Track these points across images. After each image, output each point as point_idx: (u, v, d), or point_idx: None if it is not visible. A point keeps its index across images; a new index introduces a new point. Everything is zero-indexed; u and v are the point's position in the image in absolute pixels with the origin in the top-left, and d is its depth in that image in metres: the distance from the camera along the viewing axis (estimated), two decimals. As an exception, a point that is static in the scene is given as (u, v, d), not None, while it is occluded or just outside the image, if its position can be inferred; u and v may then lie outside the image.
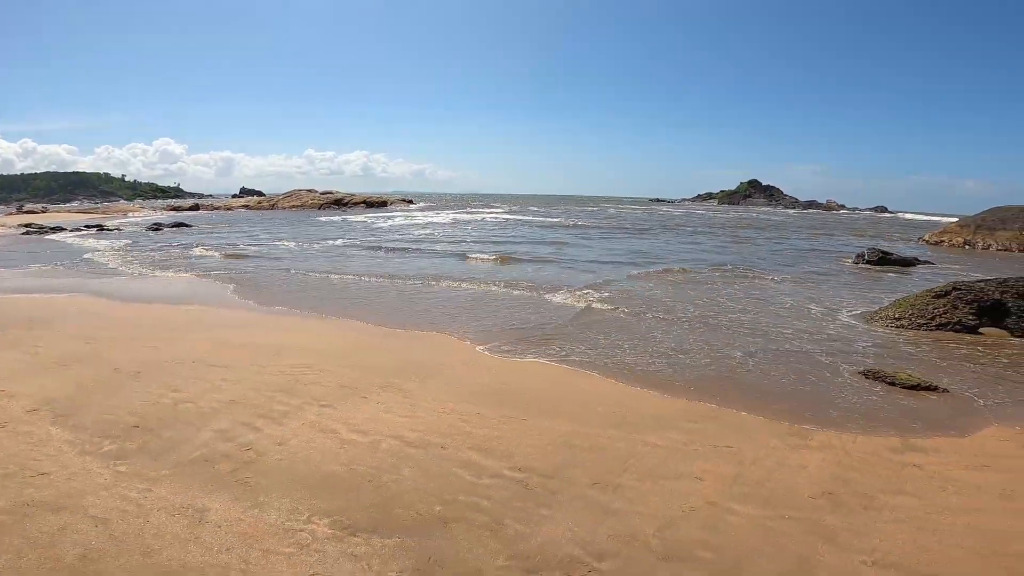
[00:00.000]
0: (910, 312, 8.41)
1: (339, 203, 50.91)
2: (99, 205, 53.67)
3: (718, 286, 11.84)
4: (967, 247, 28.27)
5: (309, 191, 52.97)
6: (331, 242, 20.18)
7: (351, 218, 36.33)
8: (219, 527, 2.95)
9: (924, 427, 4.38)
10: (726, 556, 2.67)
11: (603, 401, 4.85)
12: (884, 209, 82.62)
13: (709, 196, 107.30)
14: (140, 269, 12.97)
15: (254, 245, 19.05)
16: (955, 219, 33.29)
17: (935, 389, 5.16)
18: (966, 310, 8.25)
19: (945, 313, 8.19)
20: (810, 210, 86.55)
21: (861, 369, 5.73)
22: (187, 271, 12.60)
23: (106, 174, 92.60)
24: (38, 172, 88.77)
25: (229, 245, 18.82)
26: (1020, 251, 27.33)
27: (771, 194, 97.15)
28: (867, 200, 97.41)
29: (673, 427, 4.28)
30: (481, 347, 6.64)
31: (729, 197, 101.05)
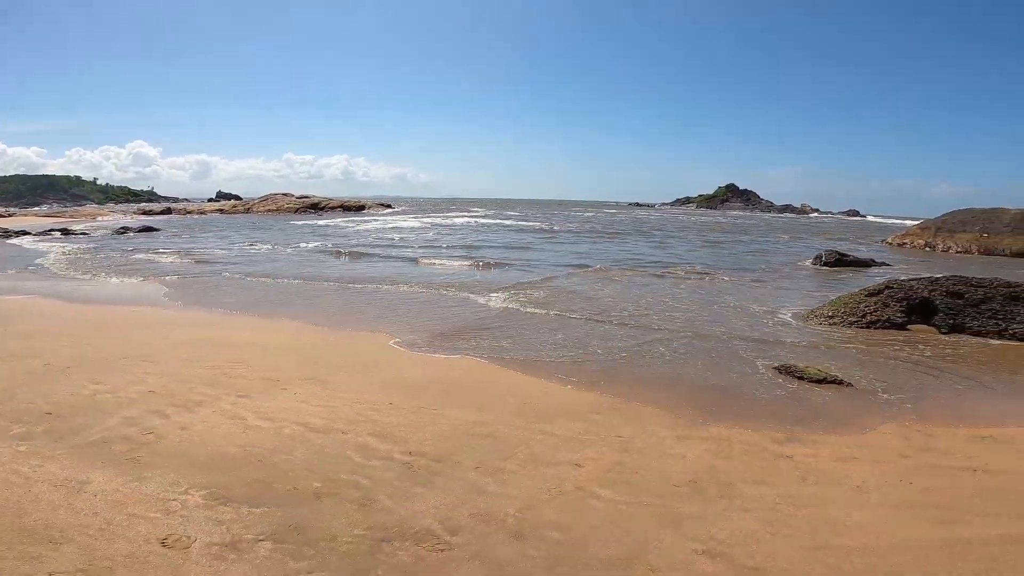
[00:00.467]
0: (843, 310, 8.68)
1: (315, 207, 50.55)
2: (67, 209, 52.55)
3: (665, 286, 12.08)
4: (928, 249, 29.07)
5: (285, 195, 52.58)
6: (301, 246, 20.10)
7: (326, 222, 36.12)
8: (94, 496, 3.10)
9: (814, 420, 4.55)
10: (572, 537, 2.79)
11: (515, 393, 5.00)
12: (856, 213, 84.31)
13: (688, 200, 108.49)
14: (94, 272, 12.82)
15: (218, 249, 18.90)
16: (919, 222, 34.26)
17: (840, 383, 5.37)
18: (896, 308, 8.54)
19: (875, 311, 8.47)
20: (785, 214, 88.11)
21: (776, 364, 5.92)
22: (141, 275, 12.49)
23: (77, 177, 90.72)
24: (6, 175, 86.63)
25: (190, 250, 18.65)
26: (979, 252, 28.18)
27: (748, 198, 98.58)
28: (840, 204, 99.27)
29: (577, 418, 4.41)
30: (409, 344, 6.78)
31: (707, 201, 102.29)
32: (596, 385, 5.31)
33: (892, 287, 8.96)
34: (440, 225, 34.35)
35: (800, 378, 5.52)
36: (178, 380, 5.14)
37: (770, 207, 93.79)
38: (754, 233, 35.81)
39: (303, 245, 20.39)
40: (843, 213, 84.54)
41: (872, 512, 3.07)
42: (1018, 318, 7.76)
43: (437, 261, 16.19)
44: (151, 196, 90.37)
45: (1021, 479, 3.48)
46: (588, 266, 15.72)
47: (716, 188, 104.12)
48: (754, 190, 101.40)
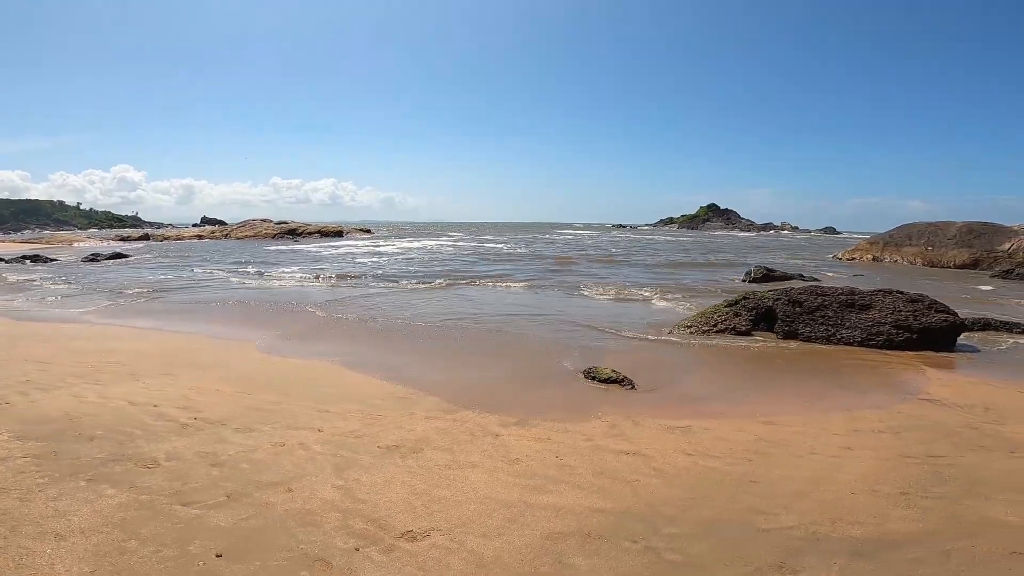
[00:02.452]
0: (700, 320, 9.44)
1: (293, 233, 51.39)
2: (43, 235, 53.21)
3: (551, 299, 13.02)
4: (875, 262, 30.05)
5: (264, 221, 53.47)
6: (239, 270, 20.85)
7: (300, 248, 36.96)
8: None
9: (567, 410, 5.20)
10: (256, 468, 3.74)
11: (333, 384, 5.89)
12: (833, 230, 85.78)
13: (671, 220, 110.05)
14: (44, 295, 13.50)
15: (180, 272, 19.63)
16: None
17: (621, 382, 6.09)
18: (746, 316, 9.32)
19: (725, 320, 9.24)
20: (765, 232, 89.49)
21: (584, 368, 6.63)
22: (82, 297, 13.18)
23: (60, 202, 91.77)
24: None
25: (138, 278, 19.35)
26: (924, 264, 29.19)
27: (728, 217, 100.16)
28: (819, 222, 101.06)
29: (359, 402, 5.23)
30: (267, 350, 7.66)
31: (689, 221, 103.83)
32: (405, 380, 6.06)
33: (747, 298, 9.75)
34: (408, 249, 35.23)
35: (593, 378, 6.25)
36: (55, 375, 5.98)
37: (750, 226, 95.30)
38: (718, 252, 36.77)
39: (245, 271, 21.14)
40: (819, 231, 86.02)
41: (498, 476, 3.67)
42: (847, 324, 8.53)
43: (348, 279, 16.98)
44: (135, 222, 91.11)
45: (647, 459, 4.03)
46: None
47: (698, 208, 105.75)
48: (735, 210, 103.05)
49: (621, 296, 14.03)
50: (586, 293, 14.50)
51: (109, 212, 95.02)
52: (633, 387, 6.03)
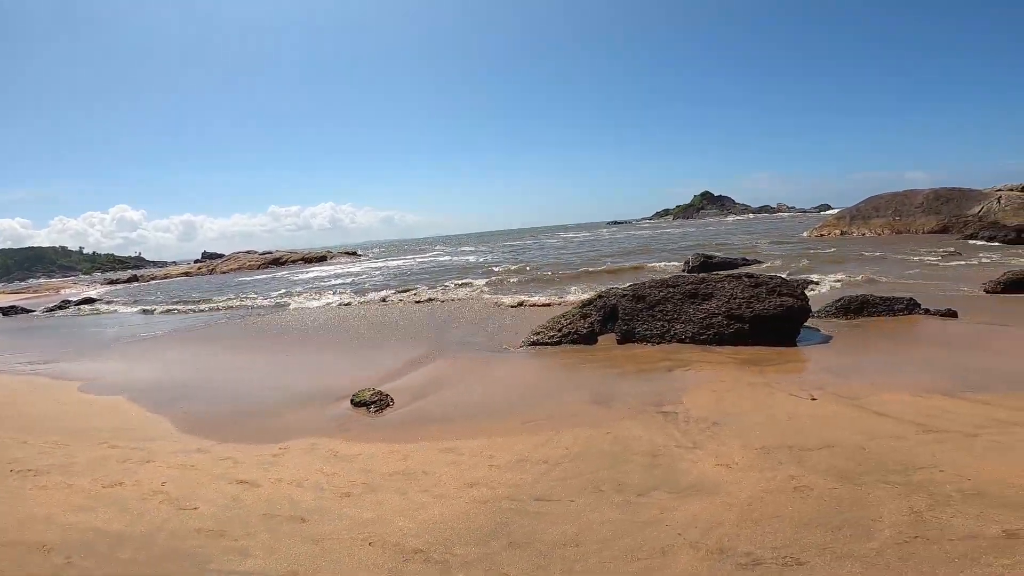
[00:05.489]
0: (547, 327, 8.98)
1: (277, 262, 51.81)
2: (31, 284, 54.27)
3: (411, 311, 12.71)
4: (843, 236, 29.13)
5: (248, 252, 54.12)
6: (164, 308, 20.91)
7: (277, 275, 37.23)
8: None
9: (259, 432, 5.28)
10: None
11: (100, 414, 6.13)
12: (827, 207, 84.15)
13: (666, 212, 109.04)
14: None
15: (118, 309, 19.77)
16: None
17: (370, 405, 5.80)
18: (594, 318, 8.86)
19: (570, 324, 8.78)
20: (760, 214, 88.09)
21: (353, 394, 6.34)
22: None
23: (63, 248, 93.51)
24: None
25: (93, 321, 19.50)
26: (892, 233, 28.26)
27: (723, 204, 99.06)
28: (817, 200, 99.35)
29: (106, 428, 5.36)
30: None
31: (684, 211, 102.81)
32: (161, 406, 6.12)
33: (603, 296, 9.30)
34: (376, 269, 35.19)
35: (350, 400, 5.98)
36: None
37: (745, 210, 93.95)
38: (690, 239, 36.05)
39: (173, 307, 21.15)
40: (815, 208, 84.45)
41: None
42: (683, 318, 8.05)
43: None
44: (138, 262, 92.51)
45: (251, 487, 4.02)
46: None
47: (692, 197, 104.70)
48: (730, 196, 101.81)
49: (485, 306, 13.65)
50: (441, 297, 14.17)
51: (112, 255, 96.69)
52: (380, 410, 5.76)
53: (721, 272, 9.16)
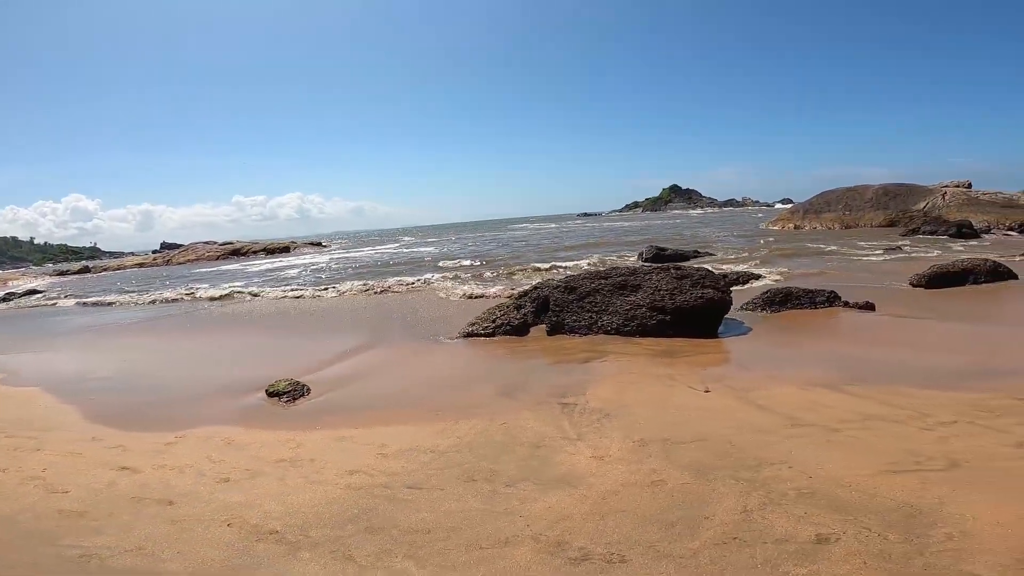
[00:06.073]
0: (483, 318, 8.99)
1: (238, 252, 50.53)
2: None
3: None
4: (796, 230, 29.88)
5: (207, 243, 52.76)
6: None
7: (235, 266, 36.35)
8: None
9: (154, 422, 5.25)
10: None
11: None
12: (790, 201, 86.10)
13: (636, 205, 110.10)
14: None
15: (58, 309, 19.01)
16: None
17: (282, 395, 5.81)
18: (528, 309, 8.90)
19: (503, 315, 8.81)
20: (726, 208, 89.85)
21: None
22: None
23: (14, 238, 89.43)
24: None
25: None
26: (842, 228, 29.13)
27: (690, 197, 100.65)
28: (782, 194, 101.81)
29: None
30: None
31: (653, 204, 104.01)
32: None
33: (538, 288, 9.35)
34: (338, 259, 34.69)
35: (266, 391, 5.98)
36: None
37: (712, 203, 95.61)
38: (656, 232, 36.45)
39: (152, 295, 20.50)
40: (780, 202, 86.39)
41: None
42: (610, 309, 8.15)
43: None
44: (93, 252, 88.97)
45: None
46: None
47: (661, 191, 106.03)
48: (697, 190, 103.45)
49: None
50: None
51: (64, 245, 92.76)
52: (293, 400, 5.76)
53: (666, 264, 9.27)
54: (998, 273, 11.27)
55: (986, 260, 11.58)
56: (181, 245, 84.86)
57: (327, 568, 2.77)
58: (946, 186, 31.66)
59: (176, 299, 17.31)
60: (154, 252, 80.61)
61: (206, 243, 52.30)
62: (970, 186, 31.45)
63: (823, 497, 3.05)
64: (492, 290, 13.52)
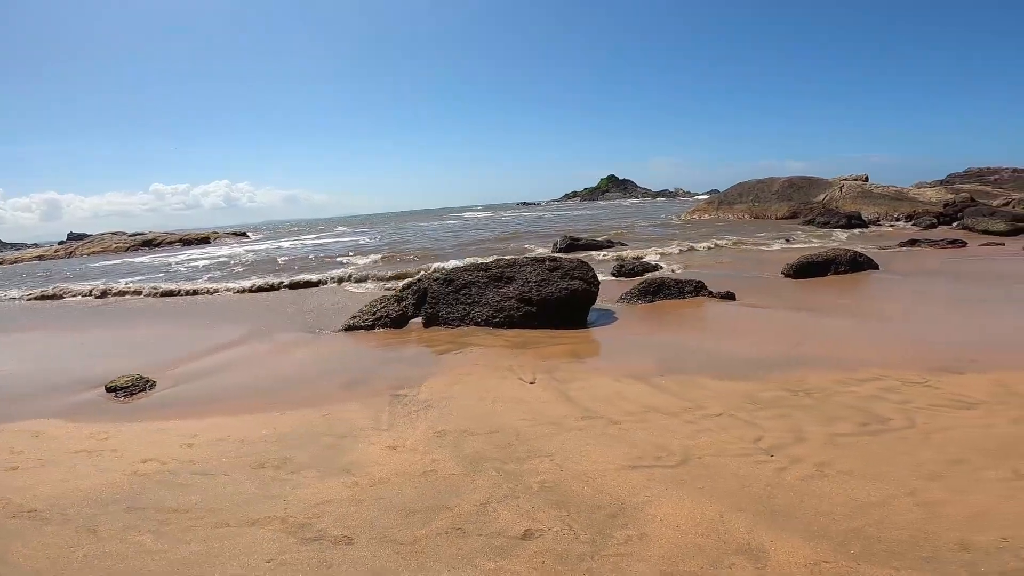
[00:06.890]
0: (365, 310, 8.96)
1: (150, 244, 47.65)
2: None
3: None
4: (711, 220, 31.36)
5: (115, 234, 49.56)
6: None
7: (143, 259, 34.29)
8: None
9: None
10: None
11: None
12: (717, 191, 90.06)
13: (574, 194, 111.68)
14: None
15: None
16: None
17: (127, 388, 5.73)
18: (409, 301, 8.97)
19: (383, 308, 8.84)
20: (659, 198, 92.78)
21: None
22: None
23: None
24: None
25: None
26: (751, 218, 30.81)
27: (626, 187, 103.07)
28: (710, 185, 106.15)
29: None
30: None
31: (590, 194, 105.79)
32: None
33: (421, 280, 9.41)
34: (250, 251, 33.38)
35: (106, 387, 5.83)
36: None
37: (646, 193, 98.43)
38: (580, 222, 37.19)
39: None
40: (706, 193, 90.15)
41: None
42: (483, 301, 8.35)
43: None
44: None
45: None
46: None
47: (599, 180, 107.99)
48: (633, 180, 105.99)
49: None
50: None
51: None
52: (132, 394, 5.71)
53: (543, 256, 9.52)
54: (857, 263, 12.31)
55: (847, 251, 12.62)
56: (89, 236, 79.13)
57: (67, 539, 2.94)
58: (845, 179, 34.03)
59: (54, 295, 16.18)
60: (60, 243, 74.70)
61: (115, 234, 49.01)
62: (867, 180, 33.95)
63: (559, 492, 3.13)
64: (388, 284, 13.48)
